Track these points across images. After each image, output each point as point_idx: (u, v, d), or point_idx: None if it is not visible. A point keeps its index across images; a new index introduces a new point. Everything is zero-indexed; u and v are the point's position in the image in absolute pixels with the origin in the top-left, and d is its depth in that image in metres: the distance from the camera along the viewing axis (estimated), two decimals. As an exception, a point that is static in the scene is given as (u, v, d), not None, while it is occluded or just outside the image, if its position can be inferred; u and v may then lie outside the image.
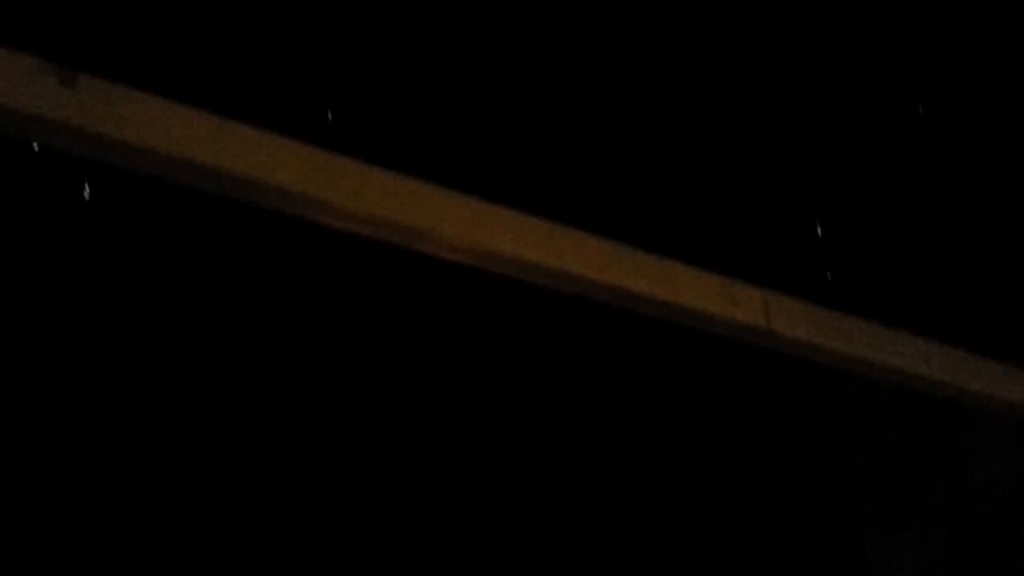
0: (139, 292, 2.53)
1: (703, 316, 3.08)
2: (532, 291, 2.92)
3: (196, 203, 2.56)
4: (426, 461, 2.75)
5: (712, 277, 3.07)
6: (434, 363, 2.83)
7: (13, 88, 2.35)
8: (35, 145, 2.34)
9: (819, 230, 3.40)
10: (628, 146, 3.05)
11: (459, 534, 2.69)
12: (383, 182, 2.69)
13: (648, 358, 3.15)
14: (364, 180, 2.67)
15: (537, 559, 2.80)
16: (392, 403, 2.78)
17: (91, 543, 2.22)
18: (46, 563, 2.13)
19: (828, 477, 3.73)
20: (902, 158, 3.44)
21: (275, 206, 2.67)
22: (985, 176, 3.72)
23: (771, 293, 3.18)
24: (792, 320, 3.22)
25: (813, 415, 3.62)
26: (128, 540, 2.27)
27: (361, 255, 2.71)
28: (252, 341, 2.64)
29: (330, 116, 2.69)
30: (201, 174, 2.55)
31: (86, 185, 2.53)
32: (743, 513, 3.33)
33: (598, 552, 2.93)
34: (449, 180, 2.75)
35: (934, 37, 3.49)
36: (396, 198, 2.71)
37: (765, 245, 3.23)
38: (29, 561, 2.10)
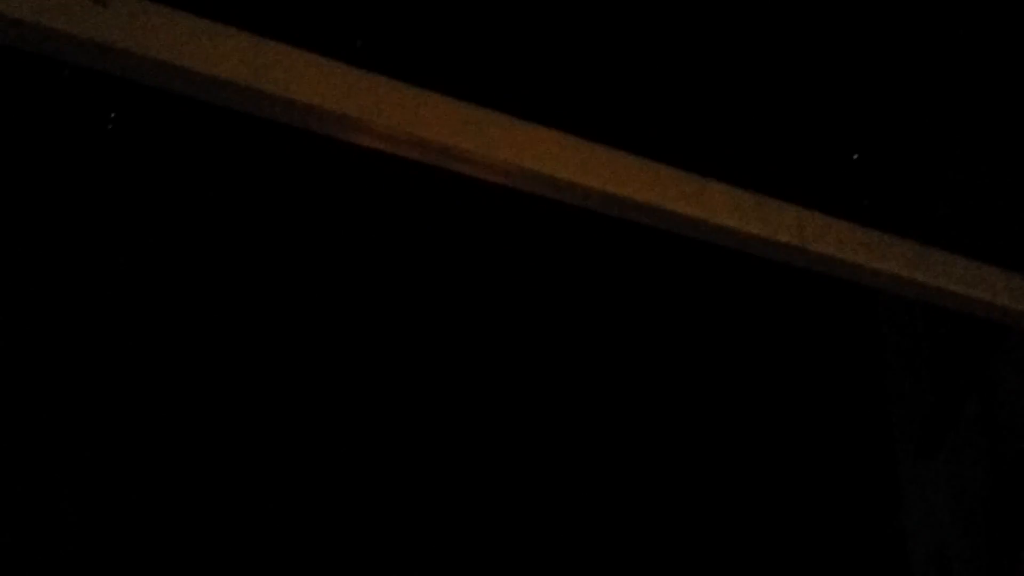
0: (170, 209, 2.55)
1: (738, 234, 3.07)
2: (565, 210, 2.91)
3: (228, 121, 2.57)
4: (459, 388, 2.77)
5: (747, 195, 3.06)
6: (476, 280, 2.84)
7: (46, 6, 2.35)
8: (68, 63, 2.34)
9: (855, 151, 3.38)
10: (665, 64, 3.04)
11: (476, 441, 2.71)
12: (426, 103, 2.69)
13: (682, 277, 3.15)
14: (406, 100, 2.67)
15: (577, 468, 2.82)
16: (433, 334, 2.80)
17: (89, 535, 2.23)
18: (46, 558, 2.14)
19: (861, 402, 3.74)
20: (939, 78, 3.41)
21: (313, 126, 2.66)
22: (1018, 99, 3.69)
23: (806, 211, 3.17)
24: (826, 237, 3.20)
25: (846, 340, 3.63)
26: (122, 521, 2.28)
27: (396, 174, 2.72)
28: (276, 255, 2.65)
29: (359, 42, 2.69)
30: (234, 92, 2.55)
31: (118, 104, 2.53)
32: (774, 436, 3.34)
33: (624, 460, 2.95)
34: (484, 99, 2.75)
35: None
36: (436, 119, 2.70)
37: (800, 164, 3.22)
38: (29, 558, 2.12)
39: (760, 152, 3.03)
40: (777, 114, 3.06)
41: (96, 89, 2.23)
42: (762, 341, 3.10)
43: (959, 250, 3.31)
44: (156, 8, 2.47)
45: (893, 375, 8.64)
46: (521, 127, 2.80)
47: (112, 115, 2.21)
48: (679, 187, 2.99)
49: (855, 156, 3.16)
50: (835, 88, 3.18)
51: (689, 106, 2.90)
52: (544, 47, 2.69)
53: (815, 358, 3.28)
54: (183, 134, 2.34)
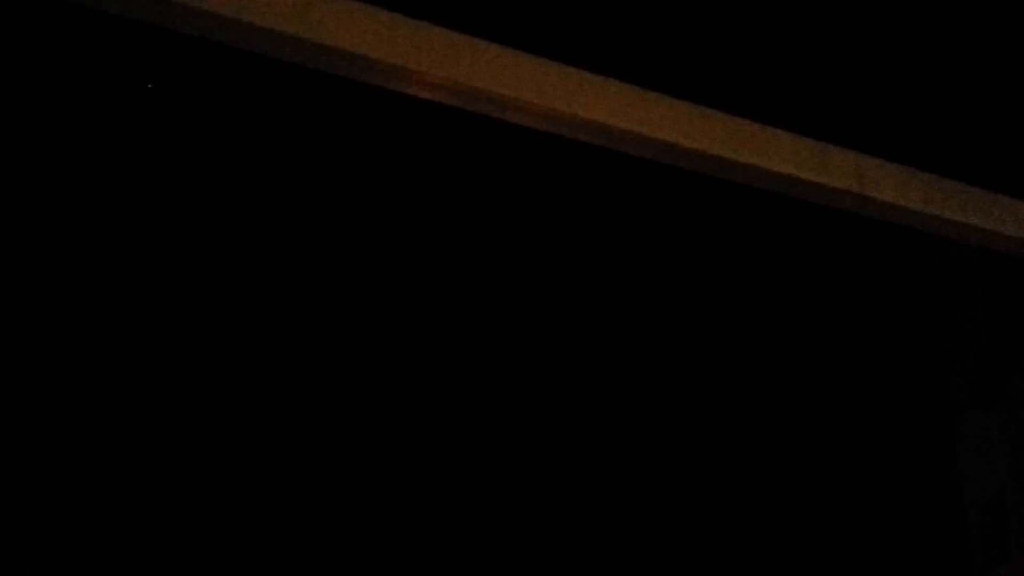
0: (218, 160, 2.54)
1: (795, 182, 3.04)
2: (617, 159, 2.89)
3: (280, 74, 2.56)
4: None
5: (805, 141, 3.03)
6: (514, 227, 2.82)
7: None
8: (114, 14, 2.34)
9: (914, 94, 3.34)
10: (722, 11, 3.00)
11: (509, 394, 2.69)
12: (479, 50, 2.67)
13: (737, 226, 3.13)
14: (459, 48, 2.65)
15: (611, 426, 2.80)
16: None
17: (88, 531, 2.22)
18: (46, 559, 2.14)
19: (917, 351, 3.71)
20: (1000, 16, 3.35)
21: (362, 76, 2.65)
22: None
23: (864, 157, 3.13)
24: (885, 183, 3.17)
25: (902, 289, 3.59)
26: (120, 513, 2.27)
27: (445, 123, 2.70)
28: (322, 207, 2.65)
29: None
30: (288, 44, 2.54)
31: (171, 59, 2.53)
32: (829, 387, 3.32)
33: (674, 406, 2.93)
34: (540, 48, 2.73)
35: None
36: (485, 66, 2.69)
37: (858, 108, 3.18)
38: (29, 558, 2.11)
39: (817, 97, 2.99)
40: (834, 58, 3.02)
41: (145, 44, 2.23)
42: (817, 289, 3.08)
43: (1020, 195, 3.27)
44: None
45: (950, 323, 8.57)
46: (576, 75, 2.78)
47: (153, 73, 2.22)
48: (735, 134, 2.96)
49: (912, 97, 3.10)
50: (893, 30, 3.14)
51: (745, 52, 2.87)
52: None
53: (871, 307, 3.25)
54: (229, 86, 2.35)
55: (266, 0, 2.51)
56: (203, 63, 2.18)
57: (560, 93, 2.74)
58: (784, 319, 2.98)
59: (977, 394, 9.53)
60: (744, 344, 2.84)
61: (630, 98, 2.82)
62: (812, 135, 3.05)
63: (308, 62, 2.60)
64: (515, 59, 2.72)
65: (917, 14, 3.21)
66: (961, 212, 3.31)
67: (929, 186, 3.30)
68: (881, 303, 3.28)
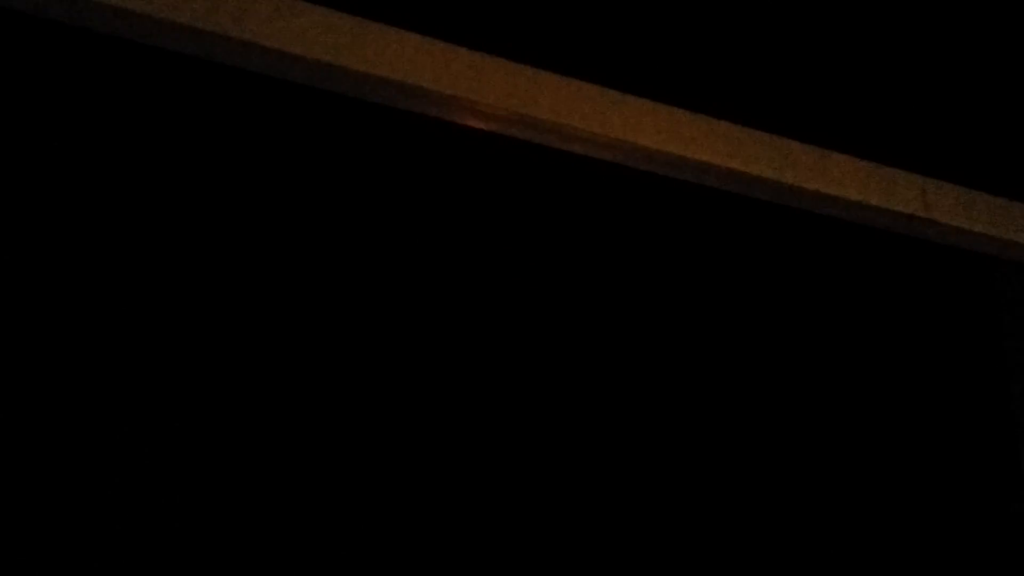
0: (269, 195, 2.52)
1: (860, 206, 2.99)
2: (680, 187, 2.85)
3: (330, 104, 2.53)
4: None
5: (868, 164, 2.99)
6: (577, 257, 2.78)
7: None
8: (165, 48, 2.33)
9: (978, 115, 3.28)
10: (781, 36, 2.96)
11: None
12: (535, 80, 2.64)
13: (802, 252, 3.07)
14: (515, 78, 2.62)
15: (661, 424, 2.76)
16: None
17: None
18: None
19: (982, 377, 3.64)
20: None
21: (417, 107, 2.63)
22: None
23: (929, 180, 3.08)
24: (951, 206, 3.12)
25: (966, 312, 3.53)
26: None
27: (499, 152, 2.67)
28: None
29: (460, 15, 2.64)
30: (348, 78, 2.53)
31: (217, 90, 2.51)
32: (894, 413, 3.26)
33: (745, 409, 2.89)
34: (591, 74, 2.69)
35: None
36: (546, 97, 2.66)
37: (922, 131, 3.13)
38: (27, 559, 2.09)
39: (881, 121, 2.95)
40: (898, 81, 2.98)
41: (198, 76, 2.23)
42: (882, 314, 3.04)
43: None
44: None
45: (1015, 348, 8.47)
46: (634, 103, 2.75)
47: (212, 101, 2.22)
48: (798, 159, 2.92)
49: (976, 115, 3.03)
50: (958, 53, 3.09)
51: (808, 78, 2.84)
52: (655, 23, 2.64)
53: (935, 331, 3.21)
54: (278, 118, 2.35)
55: (322, 34, 2.49)
56: (255, 97, 2.18)
57: (620, 121, 2.71)
58: (849, 345, 2.95)
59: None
60: (807, 371, 2.84)
61: (689, 124, 2.78)
62: (876, 159, 3.01)
63: (366, 94, 2.58)
64: (573, 88, 2.69)
65: (982, 38, 3.17)
66: (1029, 234, 3.26)
67: (995, 208, 3.24)
68: (945, 327, 3.25)
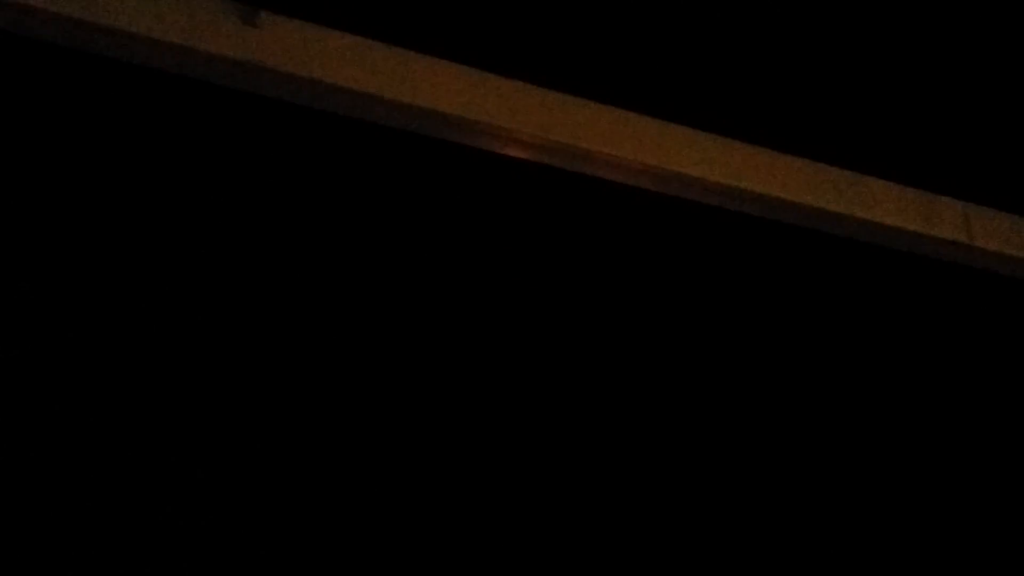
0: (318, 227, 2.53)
1: (901, 233, 2.98)
2: (717, 214, 2.85)
3: (378, 137, 2.55)
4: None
5: (908, 190, 2.97)
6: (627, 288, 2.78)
7: (196, 28, 2.37)
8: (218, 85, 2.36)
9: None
10: (817, 59, 2.95)
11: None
12: (568, 107, 2.65)
13: (842, 280, 3.06)
14: (550, 106, 2.63)
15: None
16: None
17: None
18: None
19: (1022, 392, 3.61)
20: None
21: (467, 139, 2.65)
22: None
23: (971, 206, 3.06)
24: (994, 232, 3.10)
25: (1011, 343, 3.50)
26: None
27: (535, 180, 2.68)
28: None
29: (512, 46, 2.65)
30: (389, 109, 2.54)
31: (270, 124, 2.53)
32: (937, 430, 3.23)
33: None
34: (629, 102, 2.70)
35: None
36: (579, 124, 2.67)
37: (963, 156, 3.11)
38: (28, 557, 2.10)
39: (923, 146, 2.94)
40: (938, 106, 2.97)
41: (234, 108, 2.26)
42: (924, 342, 3.02)
43: None
44: (306, 27, 2.47)
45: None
46: (666, 129, 2.75)
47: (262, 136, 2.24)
48: (837, 185, 2.91)
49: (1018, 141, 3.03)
50: (999, 78, 3.08)
51: (845, 102, 2.83)
52: (693, 52, 2.65)
53: (979, 360, 3.18)
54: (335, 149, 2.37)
55: (366, 67, 2.51)
56: (289, 127, 2.20)
57: (652, 146, 2.71)
58: (890, 375, 2.93)
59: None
60: (847, 399, 2.82)
61: (726, 151, 2.78)
62: (918, 185, 3.00)
63: (402, 123, 2.60)
64: (604, 114, 2.70)
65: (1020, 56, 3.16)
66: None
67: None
68: (989, 356, 3.22)
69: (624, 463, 2.69)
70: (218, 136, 2.46)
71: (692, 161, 2.72)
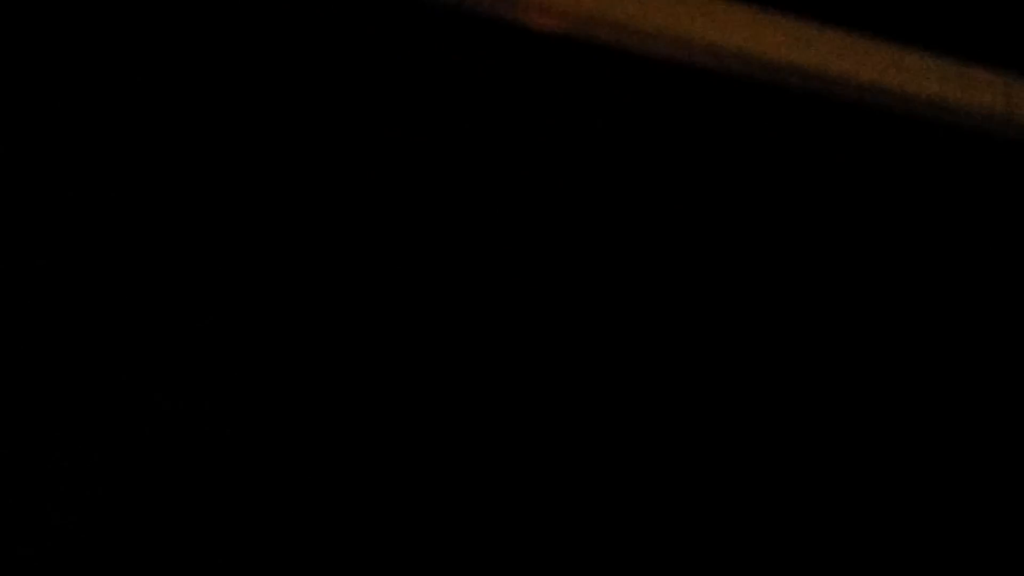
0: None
1: (940, 104, 2.92)
2: (758, 88, 2.80)
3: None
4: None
5: (948, 61, 2.91)
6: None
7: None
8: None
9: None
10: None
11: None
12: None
13: (874, 150, 3.01)
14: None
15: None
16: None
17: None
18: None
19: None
20: None
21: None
22: None
23: (1012, 76, 3.00)
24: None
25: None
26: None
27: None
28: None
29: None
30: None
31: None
32: (974, 306, 3.18)
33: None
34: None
35: None
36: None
37: (1005, 25, 3.04)
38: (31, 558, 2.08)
39: (961, 15, 2.86)
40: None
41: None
42: (959, 217, 2.96)
43: None
44: None
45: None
46: (711, 2, 2.69)
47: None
48: (874, 56, 2.85)
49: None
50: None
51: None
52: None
53: (1017, 235, 3.12)
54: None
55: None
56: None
57: (701, 21, 2.66)
58: (927, 249, 2.86)
59: None
60: (884, 270, 2.77)
61: (766, 24, 2.73)
62: (957, 55, 2.93)
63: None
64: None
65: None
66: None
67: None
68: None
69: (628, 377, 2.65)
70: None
71: (727, 32, 2.67)
